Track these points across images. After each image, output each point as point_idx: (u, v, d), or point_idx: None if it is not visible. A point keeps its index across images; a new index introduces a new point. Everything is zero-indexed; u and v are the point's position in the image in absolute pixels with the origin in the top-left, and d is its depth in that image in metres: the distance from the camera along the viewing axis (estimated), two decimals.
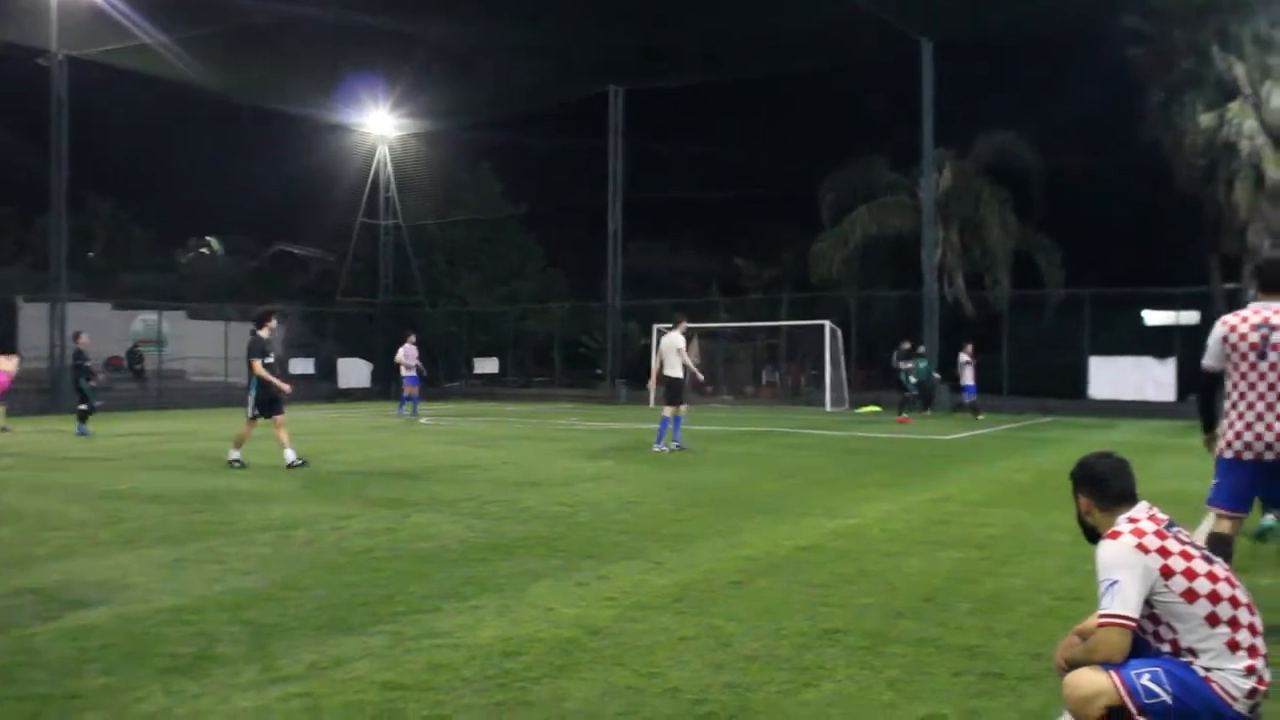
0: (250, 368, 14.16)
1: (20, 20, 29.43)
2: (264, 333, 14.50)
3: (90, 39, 30.42)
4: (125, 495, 11.34)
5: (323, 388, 38.56)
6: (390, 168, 42.83)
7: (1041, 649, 5.43)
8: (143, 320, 42.00)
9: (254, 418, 14.28)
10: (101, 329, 39.29)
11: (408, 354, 26.49)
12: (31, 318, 34.13)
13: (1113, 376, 28.40)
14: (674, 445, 16.56)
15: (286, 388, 14.71)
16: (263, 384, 14.22)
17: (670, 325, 17.47)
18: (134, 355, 41.52)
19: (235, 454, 14.19)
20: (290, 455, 14.03)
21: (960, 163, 35.65)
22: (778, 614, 6.18)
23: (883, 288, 37.09)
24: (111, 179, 48.93)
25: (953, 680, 4.95)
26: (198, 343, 37.83)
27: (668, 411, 16.79)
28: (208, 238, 61.67)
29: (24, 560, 7.71)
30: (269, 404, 14.35)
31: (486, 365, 41.67)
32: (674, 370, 16.69)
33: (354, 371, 37.69)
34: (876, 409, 29.94)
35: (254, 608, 6.28)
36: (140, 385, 38.60)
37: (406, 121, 41.33)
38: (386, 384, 36.80)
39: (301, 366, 39.70)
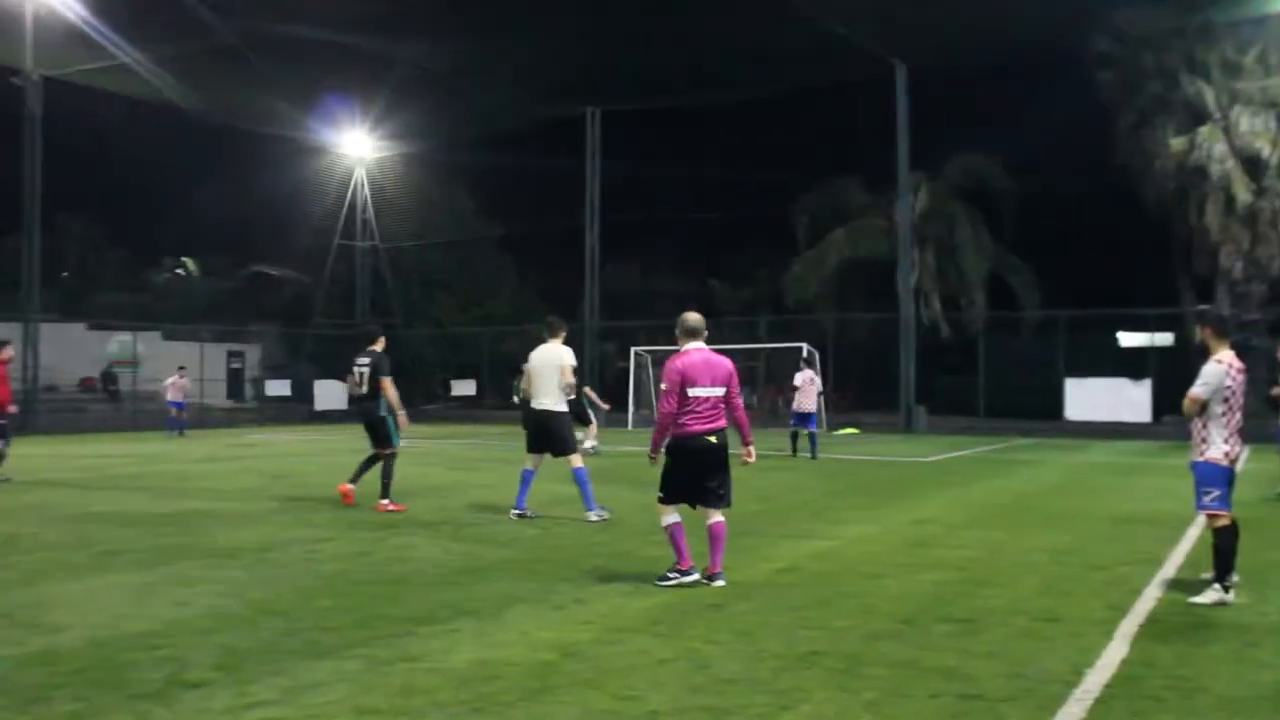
0: (383, 387, 11.86)
1: None
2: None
3: (64, 58, 30.29)
4: (97, 518, 11.21)
5: (299, 409, 38.35)
6: (367, 189, 42.82)
7: (1019, 669, 5.43)
8: (117, 341, 41.74)
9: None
10: (76, 350, 39.14)
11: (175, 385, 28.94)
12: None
13: (1088, 398, 28.53)
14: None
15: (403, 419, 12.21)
16: (393, 406, 12.01)
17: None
18: (108, 376, 41.25)
19: (385, 502, 11.74)
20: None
21: (934, 185, 35.79)
22: (756, 636, 6.15)
23: (858, 310, 37.22)
24: (83, 198, 48.59)
25: (931, 702, 4.93)
26: (173, 364, 37.67)
27: None
28: (183, 258, 61.22)
29: None
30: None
31: (464, 388, 41.51)
32: None
33: (330, 393, 37.43)
34: (855, 431, 30.01)
35: (226, 632, 6.20)
36: (114, 406, 38.32)
37: (383, 142, 41.36)
38: None
39: (278, 388, 39.56)
